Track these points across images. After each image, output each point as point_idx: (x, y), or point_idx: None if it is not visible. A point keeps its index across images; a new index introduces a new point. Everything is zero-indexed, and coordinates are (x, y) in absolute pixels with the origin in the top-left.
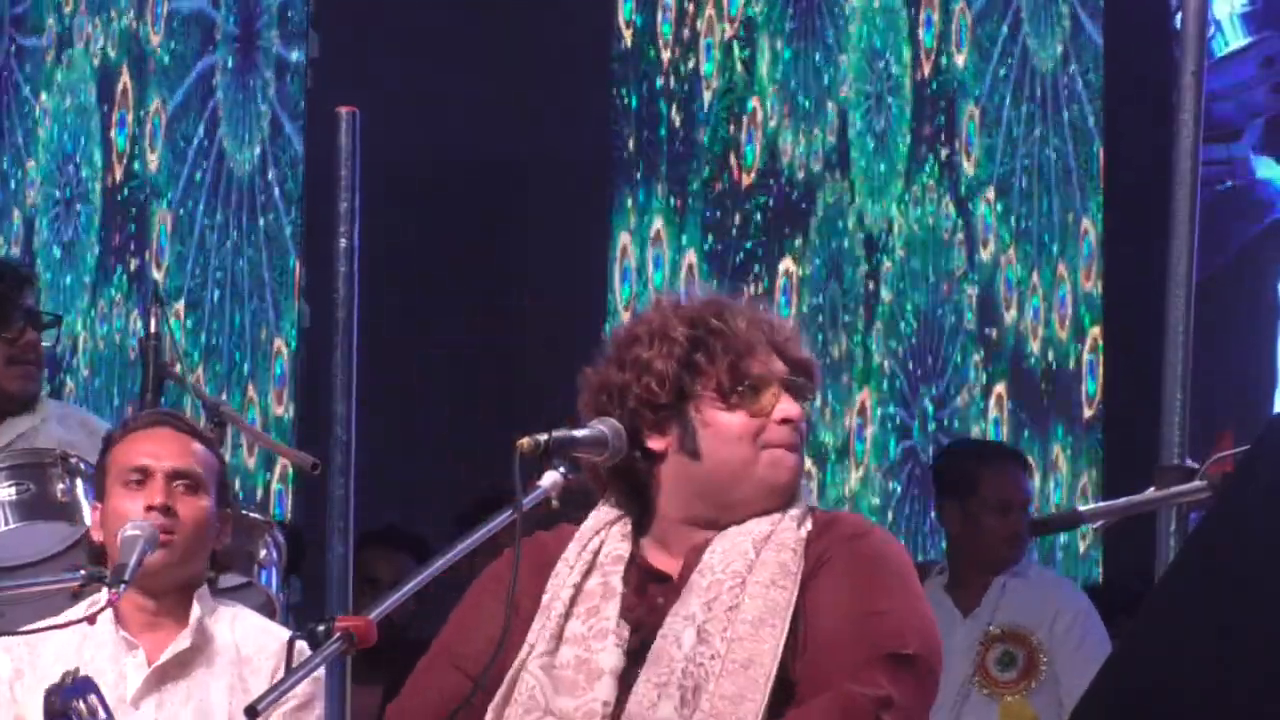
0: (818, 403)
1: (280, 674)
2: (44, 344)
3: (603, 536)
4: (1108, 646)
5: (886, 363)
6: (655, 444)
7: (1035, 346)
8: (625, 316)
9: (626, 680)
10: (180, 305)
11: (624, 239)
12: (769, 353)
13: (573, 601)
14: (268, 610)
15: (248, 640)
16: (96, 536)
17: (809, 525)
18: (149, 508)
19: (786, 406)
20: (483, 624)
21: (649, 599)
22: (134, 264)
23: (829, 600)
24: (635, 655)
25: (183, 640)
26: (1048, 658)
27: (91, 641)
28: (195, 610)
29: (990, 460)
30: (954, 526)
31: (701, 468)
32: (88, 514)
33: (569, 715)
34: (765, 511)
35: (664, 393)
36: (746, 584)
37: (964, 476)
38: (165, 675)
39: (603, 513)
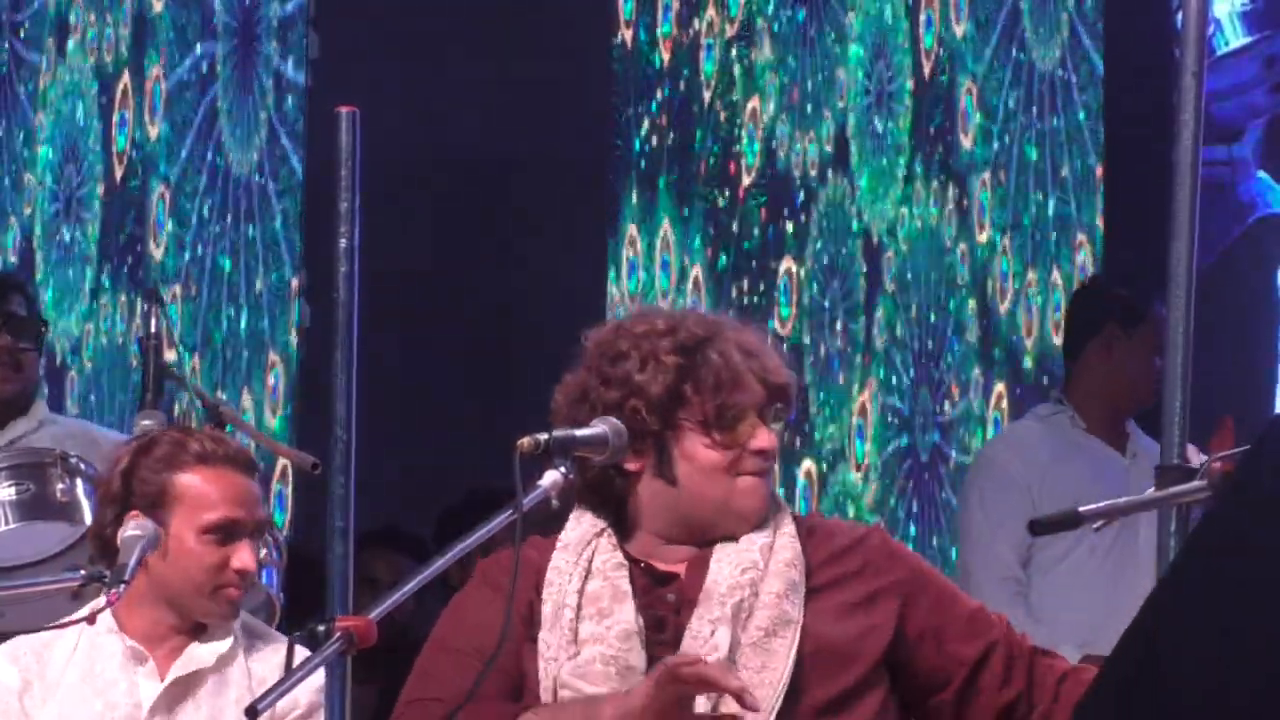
0: (816, 406)
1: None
2: (33, 350)
3: (594, 546)
4: None
5: (888, 352)
6: (631, 465)
7: (1030, 344)
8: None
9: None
10: (175, 289)
11: (625, 238)
12: (753, 380)
13: (579, 606)
14: (268, 610)
15: (262, 662)
16: (101, 548)
17: (794, 531)
18: (240, 571)
19: (762, 437)
20: (481, 614)
21: (658, 596)
22: (133, 264)
23: (924, 624)
24: (659, 653)
25: (205, 659)
26: None
27: (102, 652)
28: (232, 638)
29: (1156, 299)
30: (1103, 356)
31: (677, 494)
32: (88, 514)
33: None
34: (740, 532)
35: (651, 419)
36: (760, 593)
37: (1134, 304)
38: (182, 692)
39: (585, 525)
